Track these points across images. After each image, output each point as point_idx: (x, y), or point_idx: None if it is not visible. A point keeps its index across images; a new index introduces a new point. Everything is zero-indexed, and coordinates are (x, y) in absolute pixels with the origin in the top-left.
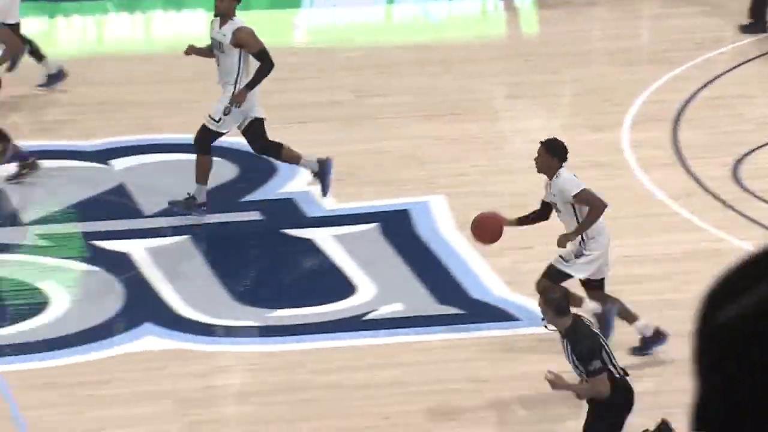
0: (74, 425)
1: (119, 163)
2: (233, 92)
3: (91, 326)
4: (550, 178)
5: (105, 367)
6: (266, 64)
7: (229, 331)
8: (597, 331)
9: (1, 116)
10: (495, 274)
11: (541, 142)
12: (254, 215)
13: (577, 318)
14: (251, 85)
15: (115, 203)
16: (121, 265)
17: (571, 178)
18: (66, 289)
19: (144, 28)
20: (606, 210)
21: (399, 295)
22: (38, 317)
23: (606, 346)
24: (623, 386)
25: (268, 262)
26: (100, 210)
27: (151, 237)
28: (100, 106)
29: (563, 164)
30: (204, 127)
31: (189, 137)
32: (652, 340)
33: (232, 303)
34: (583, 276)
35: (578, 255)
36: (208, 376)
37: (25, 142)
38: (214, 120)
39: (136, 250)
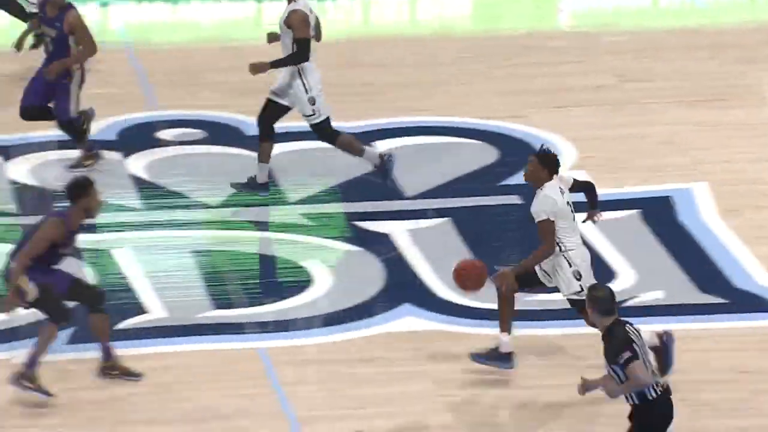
0: (334, 402)
1: (382, 145)
2: (299, 76)
3: (352, 305)
4: (536, 188)
5: (365, 346)
6: (300, 53)
7: (488, 314)
8: (635, 339)
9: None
10: (760, 262)
11: (535, 154)
12: (514, 199)
13: (618, 322)
14: (275, 64)
15: (378, 184)
16: (382, 246)
17: (546, 200)
18: (328, 269)
19: (409, 11)
20: None
21: (660, 282)
22: (301, 295)
23: (641, 357)
24: (663, 402)
25: (527, 245)
26: (362, 191)
27: (412, 218)
28: (365, 88)
29: (553, 177)
30: (312, 126)
31: (452, 120)
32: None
33: (491, 285)
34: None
35: (577, 275)
36: (466, 358)
37: (289, 123)
38: (310, 115)
39: (398, 231)
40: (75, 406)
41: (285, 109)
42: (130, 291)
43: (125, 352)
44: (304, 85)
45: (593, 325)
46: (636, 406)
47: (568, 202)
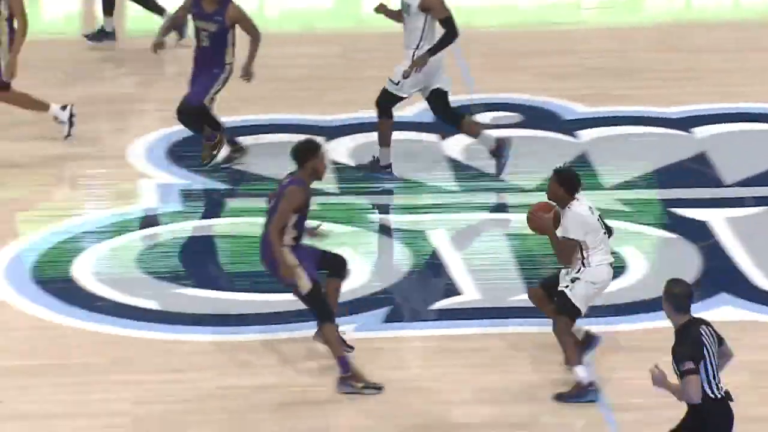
0: (648, 390)
1: (702, 131)
2: (412, 57)
3: None
4: (562, 208)
5: None
6: (450, 32)
7: None
8: (708, 342)
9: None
10: None
11: (554, 170)
12: None
13: (694, 321)
14: (433, 51)
15: (696, 171)
16: (699, 234)
17: (576, 218)
18: (644, 255)
19: None
20: None
21: None
22: (617, 281)
23: (710, 361)
24: (719, 409)
25: None
26: (680, 177)
27: (732, 206)
28: (687, 73)
29: (575, 196)
30: (384, 90)
31: None
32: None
33: None
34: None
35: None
36: None
37: (603, 108)
38: (393, 83)
39: (716, 219)
40: (386, 385)
41: (443, 93)
42: (444, 272)
43: (438, 332)
44: (412, 58)
45: (552, 313)
46: (695, 406)
47: (599, 218)
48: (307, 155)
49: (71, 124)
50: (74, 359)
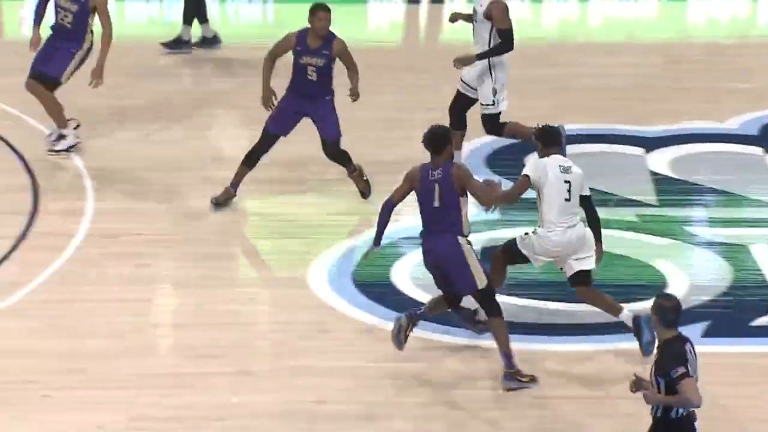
0: None
1: None
2: (488, 65)
3: None
4: None
5: None
6: (505, 43)
7: None
8: (691, 360)
9: None
10: None
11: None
12: None
13: (680, 338)
14: (480, 56)
15: None
16: None
17: (539, 165)
18: None
19: None
20: None
21: None
22: None
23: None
24: (687, 425)
25: None
26: None
27: None
28: None
29: (550, 151)
30: (485, 118)
31: None
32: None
33: None
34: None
35: (534, 247)
36: None
37: None
38: (489, 105)
39: None
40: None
41: (473, 101)
42: (766, 288)
43: (757, 349)
44: (491, 76)
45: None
46: (659, 419)
47: (567, 181)
48: (446, 140)
49: (72, 146)
50: (392, 362)
